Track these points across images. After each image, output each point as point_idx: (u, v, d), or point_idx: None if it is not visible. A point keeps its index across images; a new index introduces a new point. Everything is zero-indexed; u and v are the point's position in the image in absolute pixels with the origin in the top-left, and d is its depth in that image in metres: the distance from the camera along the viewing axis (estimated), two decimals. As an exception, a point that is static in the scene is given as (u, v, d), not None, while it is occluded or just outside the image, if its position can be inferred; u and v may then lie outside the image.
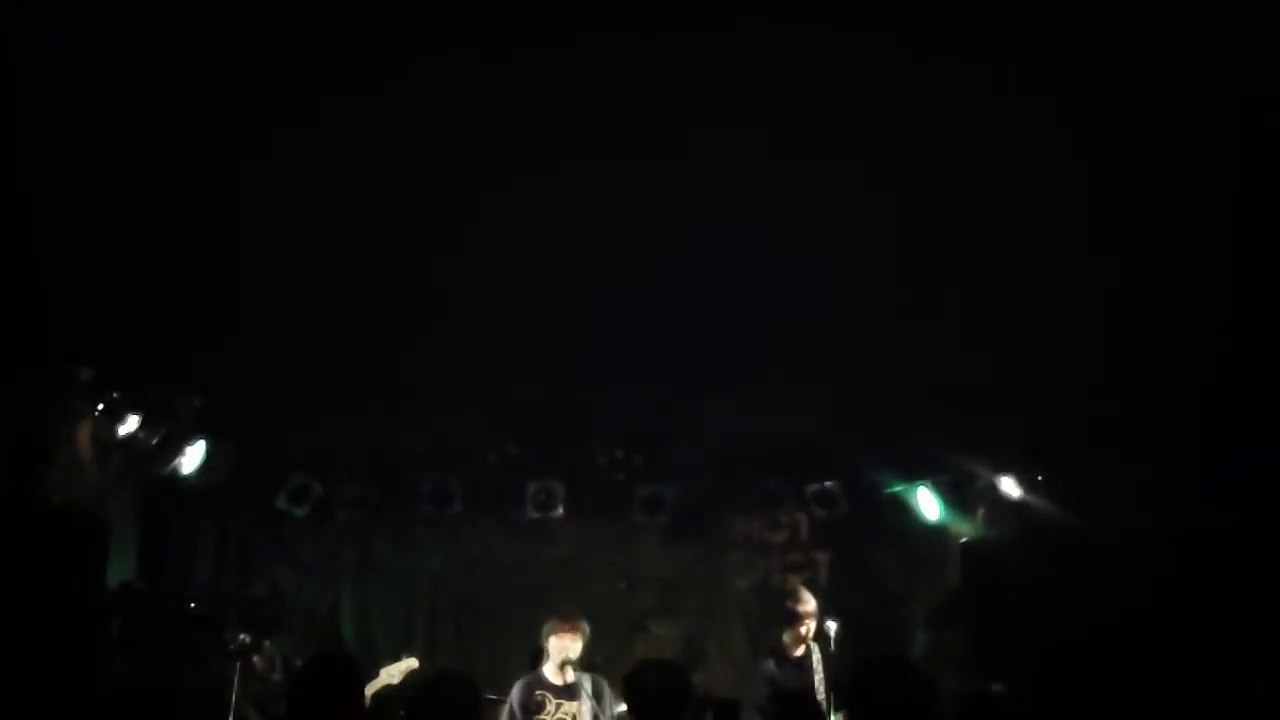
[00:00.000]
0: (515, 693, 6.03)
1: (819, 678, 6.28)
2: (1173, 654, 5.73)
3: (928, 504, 7.75)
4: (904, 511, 7.95)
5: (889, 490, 7.97)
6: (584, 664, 6.10)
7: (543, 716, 5.92)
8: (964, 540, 7.95)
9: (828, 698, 5.98)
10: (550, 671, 6.04)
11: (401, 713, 6.96)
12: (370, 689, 6.38)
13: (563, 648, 6.00)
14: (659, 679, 3.83)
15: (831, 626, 6.42)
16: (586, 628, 6.13)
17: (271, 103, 3.63)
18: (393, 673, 6.71)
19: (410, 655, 6.89)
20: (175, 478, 6.97)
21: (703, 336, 5.48)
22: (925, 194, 4.05)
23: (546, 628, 6.11)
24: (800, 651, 6.45)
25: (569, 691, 5.98)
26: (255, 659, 6.41)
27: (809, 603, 6.48)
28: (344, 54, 3.39)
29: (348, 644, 8.16)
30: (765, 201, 4.17)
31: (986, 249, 4.42)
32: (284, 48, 3.31)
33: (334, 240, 4.54)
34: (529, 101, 3.61)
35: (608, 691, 6.08)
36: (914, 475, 7.70)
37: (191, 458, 6.96)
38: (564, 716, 5.95)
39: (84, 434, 6.27)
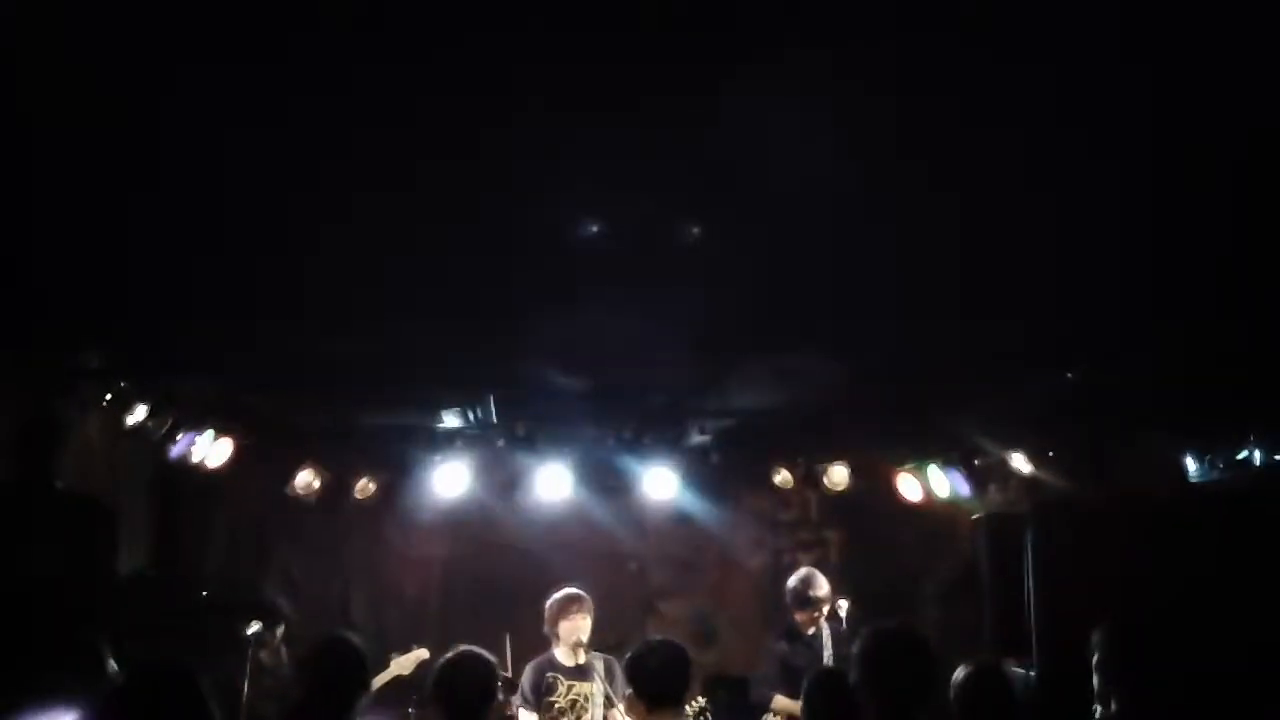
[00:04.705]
0: (526, 676, 6.02)
1: (829, 654, 6.28)
2: (1192, 626, 5.69)
3: (938, 481, 7.71)
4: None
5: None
6: (595, 645, 6.09)
7: (554, 698, 5.92)
8: (975, 516, 7.91)
9: (837, 674, 5.96)
10: (562, 653, 6.02)
11: (414, 698, 7.01)
12: (380, 680, 6.37)
13: (573, 629, 5.97)
14: (660, 658, 3.82)
15: (843, 605, 6.40)
16: (590, 604, 6.09)
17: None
18: (403, 664, 6.71)
19: (420, 645, 6.89)
20: (186, 465, 6.99)
21: (707, 314, 5.43)
22: (932, 161, 3.97)
23: (553, 611, 6.06)
24: (812, 630, 6.45)
25: (581, 672, 5.97)
26: (263, 654, 6.44)
27: (822, 588, 6.46)
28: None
29: (360, 631, 8.19)
30: (763, 175, 4.11)
31: (990, 217, 4.36)
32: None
33: (337, 224, 4.49)
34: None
35: (619, 672, 6.08)
36: (925, 450, 7.65)
37: (202, 445, 6.97)
38: (576, 698, 5.94)
39: (93, 422, 6.28)
